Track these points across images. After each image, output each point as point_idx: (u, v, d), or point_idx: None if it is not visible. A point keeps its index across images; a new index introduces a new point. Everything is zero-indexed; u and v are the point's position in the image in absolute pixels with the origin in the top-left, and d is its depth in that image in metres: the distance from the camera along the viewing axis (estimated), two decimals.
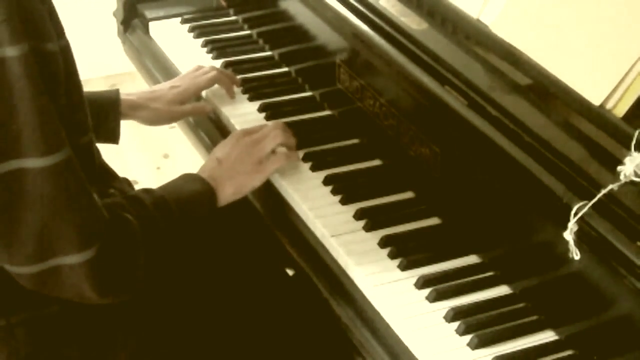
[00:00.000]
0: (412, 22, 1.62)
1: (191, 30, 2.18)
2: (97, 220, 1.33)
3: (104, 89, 1.81)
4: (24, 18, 1.25)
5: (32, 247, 1.29)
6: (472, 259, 1.51)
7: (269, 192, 1.70)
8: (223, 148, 1.63)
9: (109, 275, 1.35)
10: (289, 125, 1.74)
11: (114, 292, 1.38)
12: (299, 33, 1.93)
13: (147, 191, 1.47)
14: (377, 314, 1.43)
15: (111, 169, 1.63)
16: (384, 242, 1.52)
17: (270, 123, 1.75)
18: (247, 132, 1.67)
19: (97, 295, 1.35)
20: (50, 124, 1.27)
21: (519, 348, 1.35)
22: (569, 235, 1.25)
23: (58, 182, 1.28)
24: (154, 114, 1.84)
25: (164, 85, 1.90)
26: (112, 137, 1.78)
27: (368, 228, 1.56)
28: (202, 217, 1.52)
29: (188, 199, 1.50)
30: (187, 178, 1.55)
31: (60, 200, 1.29)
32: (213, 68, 1.93)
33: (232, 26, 2.21)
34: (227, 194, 1.56)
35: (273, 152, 1.65)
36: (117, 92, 1.78)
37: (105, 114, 1.75)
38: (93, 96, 1.74)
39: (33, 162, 1.26)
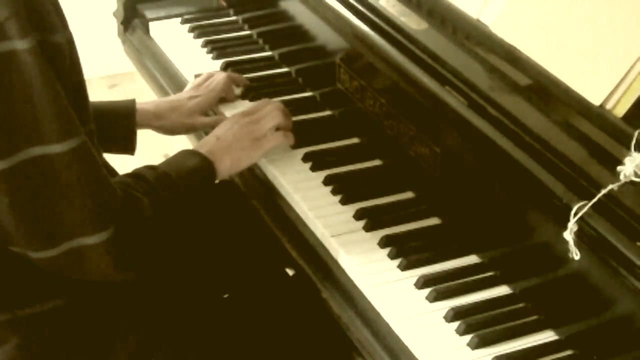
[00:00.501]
0: (412, 22, 1.62)
1: (191, 30, 2.18)
2: (112, 200, 1.35)
3: (104, 89, 1.81)
4: (30, 12, 1.27)
5: (51, 231, 1.32)
6: (472, 259, 1.50)
7: (268, 192, 1.70)
8: (222, 127, 1.66)
9: (127, 253, 1.37)
10: None
11: (132, 268, 1.41)
12: (299, 33, 1.93)
13: (149, 167, 1.50)
14: (377, 313, 1.43)
15: (112, 167, 1.63)
16: (384, 242, 1.52)
17: (268, 104, 1.74)
18: (246, 113, 1.70)
19: (116, 272, 1.38)
20: (64, 111, 1.30)
21: (519, 348, 1.35)
22: (569, 235, 1.25)
23: (76, 166, 1.31)
24: (174, 124, 1.82)
25: (182, 95, 1.87)
26: (129, 147, 1.78)
27: (368, 228, 1.56)
28: (203, 190, 1.54)
29: (189, 172, 1.52)
30: (186, 153, 1.58)
31: (79, 184, 1.31)
32: (221, 72, 1.93)
33: (232, 26, 2.21)
34: (225, 167, 1.59)
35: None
36: (133, 101, 1.77)
37: (122, 124, 1.75)
38: (109, 106, 1.74)
39: (52, 148, 1.29)
